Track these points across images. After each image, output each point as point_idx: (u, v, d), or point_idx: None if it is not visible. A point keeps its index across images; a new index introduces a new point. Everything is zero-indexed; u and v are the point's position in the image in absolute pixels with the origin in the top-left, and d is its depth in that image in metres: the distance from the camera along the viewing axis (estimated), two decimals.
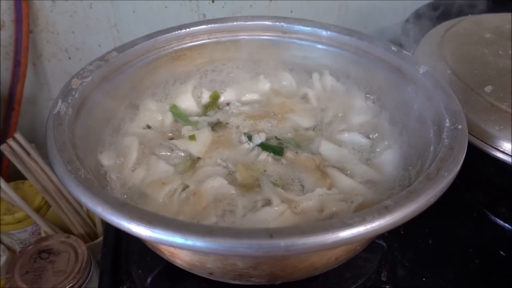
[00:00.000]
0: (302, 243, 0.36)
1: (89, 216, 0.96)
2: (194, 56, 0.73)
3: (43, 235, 0.87)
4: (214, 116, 0.68)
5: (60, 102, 0.53)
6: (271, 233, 0.36)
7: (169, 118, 0.66)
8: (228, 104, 0.70)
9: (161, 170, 0.58)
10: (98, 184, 0.43)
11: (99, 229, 0.95)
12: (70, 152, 0.46)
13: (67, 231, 0.91)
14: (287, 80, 0.74)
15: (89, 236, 0.94)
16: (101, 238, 0.88)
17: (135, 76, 0.66)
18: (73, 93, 0.56)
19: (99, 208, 0.39)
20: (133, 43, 0.67)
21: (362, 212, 0.38)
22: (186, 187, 0.54)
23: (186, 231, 0.36)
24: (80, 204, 0.95)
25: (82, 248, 0.74)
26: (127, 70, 0.65)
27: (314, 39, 0.72)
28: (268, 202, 0.52)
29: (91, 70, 0.60)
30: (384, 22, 1.04)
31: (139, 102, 0.66)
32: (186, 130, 0.64)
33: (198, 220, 0.49)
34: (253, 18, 0.73)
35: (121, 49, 0.65)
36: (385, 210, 0.38)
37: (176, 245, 0.37)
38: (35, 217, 0.86)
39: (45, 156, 0.95)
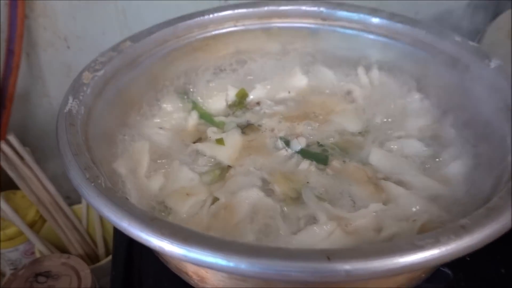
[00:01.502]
0: (365, 267, 0.36)
1: (89, 233, 0.97)
2: (219, 46, 0.74)
3: (37, 255, 0.89)
4: (243, 117, 0.69)
5: (70, 99, 0.54)
6: (329, 255, 0.36)
7: (193, 118, 0.67)
8: (258, 103, 0.71)
9: (184, 178, 0.59)
10: (122, 194, 0.43)
11: (101, 249, 0.96)
12: (86, 156, 0.47)
13: (64, 251, 0.93)
14: (327, 75, 0.75)
15: (89, 257, 0.95)
16: (106, 260, 0.89)
17: (152, 69, 0.67)
18: (85, 88, 0.57)
19: (124, 223, 0.40)
20: (150, 31, 0.68)
21: (434, 232, 0.38)
22: (215, 199, 0.55)
23: (229, 251, 0.37)
24: (80, 219, 0.97)
25: (85, 271, 0.75)
26: (143, 63, 0.67)
27: (360, 27, 0.73)
28: (313, 220, 0.52)
29: (103, 62, 0.62)
30: (440, 6, 1.03)
31: (156, 99, 0.68)
32: (212, 132, 0.65)
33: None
34: (287, 2, 0.74)
35: (136, 38, 0.67)
36: (462, 230, 0.38)
37: (216, 266, 0.37)
38: (28, 233, 0.87)
39: (40, 161, 0.98)
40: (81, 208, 0.99)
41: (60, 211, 0.90)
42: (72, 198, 1.12)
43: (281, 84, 0.73)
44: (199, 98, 0.71)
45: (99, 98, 0.58)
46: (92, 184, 0.43)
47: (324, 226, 0.50)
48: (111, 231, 0.98)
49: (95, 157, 0.50)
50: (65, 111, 0.52)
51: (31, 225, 0.88)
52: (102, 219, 1.00)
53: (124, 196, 0.45)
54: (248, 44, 0.74)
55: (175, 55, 0.70)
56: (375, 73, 0.72)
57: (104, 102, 0.59)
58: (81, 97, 0.55)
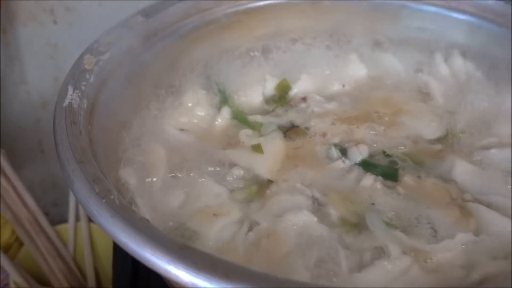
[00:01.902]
0: None
1: (77, 262, 0.98)
2: (253, 23, 0.74)
3: (12, 287, 0.89)
4: (285, 116, 0.69)
5: (70, 89, 0.55)
6: None
7: (223, 117, 0.68)
8: (304, 99, 0.71)
9: (210, 194, 0.59)
10: (141, 215, 0.43)
11: (91, 282, 0.97)
12: (93, 165, 0.47)
13: (44, 283, 0.93)
14: (394, 64, 0.75)
15: None
16: None
17: (169, 53, 0.68)
18: (87, 76, 0.57)
19: (147, 252, 0.40)
20: (166, 4, 0.69)
21: None
22: (255, 224, 0.55)
23: None
24: (65, 244, 0.97)
25: None
26: (158, 44, 0.67)
27: (439, 1, 0.73)
28: (381, 252, 0.52)
29: (108, 43, 0.62)
30: None
31: (175, 91, 0.68)
32: (245, 136, 0.65)
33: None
34: None
35: (148, 12, 0.67)
36: None
37: None
38: (1, 260, 0.88)
39: (19, 168, 0.99)
40: (66, 228, 1.00)
41: (41, 232, 0.90)
42: (52, 214, 1.14)
43: (334, 75, 0.74)
44: (228, 89, 0.71)
45: (104, 89, 0.59)
46: (104, 200, 0.44)
47: (397, 262, 0.50)
48: (104, 260, 0.99)
49: (102, 165, 0.50)
50: (65, 105, 0.53)
51: (5, 250, 0.89)
52: (93, 244, 1.00)
53: (144, 216, 0.44)
54: (291, 22, 0.75)
55: (198, 34, 0.70)
56: (457, 61, 0.72)
57: (110, 94, 0.59)
58: (83, 87, 0.56)
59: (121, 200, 0.44)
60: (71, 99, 0.53)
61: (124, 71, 0.61)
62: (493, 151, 0.62)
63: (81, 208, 1.02)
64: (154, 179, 0.59)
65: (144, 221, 0.43)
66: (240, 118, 0.67)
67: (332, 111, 0.68)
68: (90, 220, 1.01)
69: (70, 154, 0.48)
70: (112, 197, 0.44)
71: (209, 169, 0.62)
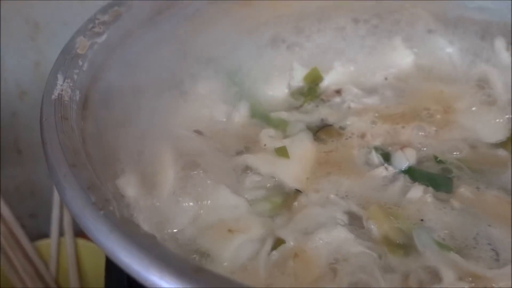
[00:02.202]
0: None
1: (59, 284, 0.98)
2: (278, 1, 0.74)
3: None
4: (315, 113, 0.69)
5: (60, 78, 0.55)
6: None
7: (240, 114, 0.68)
8: (338, 92, 0.72)
9: (226, 206, 0.59)
10: (145, 230, 0.44)
11: None
12: (88, 169, 0.48)
13: None
14: (446, 51, 0.75)
15: None
16: None
17: (176, 35, 0.68)
18: (80, 62, 0.58)
19: (154, 275, 0.40)
20: None
21: None
22: (280, 242, 0.55)
23: None
24: (46, 263, 0.98)
25: None
26: (163, 24, 0.68)
27: None
28: (433, 277, 0.52)
29: (104, 22, 0.63)
30: None
31: (183, 81, 0.69)
32: (267, 136, 0.65)
33: None
34: None
35: None
36: None
37: None
38: None
39: None
40: (48, 244, 1.00)
41: (18, 249, 0.91)
42: (29, 227, 1.13)
43: (374, 64, 0.75)
44: (247, 80, 0.72)
45: (99, 78, 0.59)
46: (101, 212, 0.44)
47: None
48: (93, 282, 0.99)
49: (98, 169, 0.51)
50: (54, 97, 0.53)
51: None
52: (79, 263, 1.01)
53: (151, 233, 0.45)
54: None
55: (210, 13, 0.71)
56: None
57: (107, 84, 0.60)
58: (75, 76, 0.56)
59: (122, 212, 0.45)
60: (61, 90, 0.54)
61: (123, 57, 0.62)
62: None
63: (66, 220, 1.02)
64: (160, 188, 0.60)
65: (150, 237, 0.43)
66: (261, 115, 0.68)
67: (373, 107, 0.68)
68: (77, 234, 1.01)
69: (61, 156, 0.48)
70: (111, 208, 0.44)
71: (225, 176, 0.62)
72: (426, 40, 0.75)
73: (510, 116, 0.67)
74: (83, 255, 1.01)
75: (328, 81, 0.71)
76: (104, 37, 0.59)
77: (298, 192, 0.59)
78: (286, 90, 0.71)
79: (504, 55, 0.71)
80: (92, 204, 0.44)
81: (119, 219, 0.44)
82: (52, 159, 0.48)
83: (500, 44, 0.72)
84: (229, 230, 0.56)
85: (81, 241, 1.01)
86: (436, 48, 0.74)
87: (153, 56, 0.64)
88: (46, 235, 1.04)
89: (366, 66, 0.73)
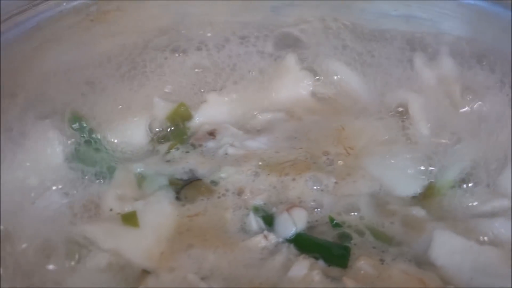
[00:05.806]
0: None
1: None
2: (140, 13, 0.67)
3: None
4: (182, 163, 0.60)
5: None
6: None
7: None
8: (212, 133, 0.63)
9: None
10: None
11: None
12: None
13: None
14: (350, 75, 0.67)
15: None
16: None
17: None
18: None
19: None
20: None
21: None
22: None
23: None
24: None
25: None
26: None
27: None
28: None
29: None
30: None
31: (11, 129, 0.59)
32: (114, 199, 0.56)
33: None
34: None
35: None
36: None
37: None
38: None
39: None
40: None
41: None
42: None
43: (261, 93, 0.67)
44: (97, 122, 0.63)
45: None
46: None
47: None
48: None
49: None
50: None
51: None
52: None
53: None
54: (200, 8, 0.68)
55: (51, 34, 0.63)
56: (447, 64, 0.65)
57: None
58: None
59: None
60: None
61: None
62: (498, 221, 0.54)
63: None
64: None
65: None
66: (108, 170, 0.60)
67: (257, 153, 0.60)
68: None
69: None
70: None
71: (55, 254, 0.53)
72: (330, 63, 0.69)
73: (430, 158, 0.61)
74: None
75: (200, 118, 0.64)
76: None
77: (146, 273, 0.51)
78: (144, 134, 0.63)
79: (428, 76, 0.66)
80: None
81: None
82: None
83: (418, 61, 0.67)
84: None
85: None
86: (342, 72, 0.68)
87: None
88: None
89: (250, 96, 0.66)
